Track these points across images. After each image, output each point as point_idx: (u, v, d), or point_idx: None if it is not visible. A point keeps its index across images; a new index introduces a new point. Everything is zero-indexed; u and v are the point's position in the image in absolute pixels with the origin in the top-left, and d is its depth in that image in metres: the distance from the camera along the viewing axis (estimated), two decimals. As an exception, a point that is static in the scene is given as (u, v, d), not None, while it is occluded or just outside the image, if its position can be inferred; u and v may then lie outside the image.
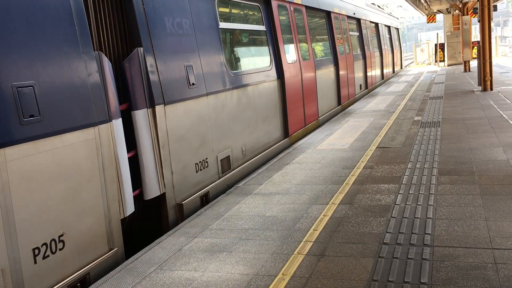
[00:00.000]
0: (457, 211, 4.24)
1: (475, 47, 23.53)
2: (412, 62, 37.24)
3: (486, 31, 12.82)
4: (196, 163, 5.36)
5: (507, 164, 5.59)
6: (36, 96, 3.28)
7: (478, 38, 14.64)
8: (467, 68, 20.86)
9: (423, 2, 26.15)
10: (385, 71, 20.89)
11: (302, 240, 3.92)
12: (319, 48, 11.39)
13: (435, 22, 30.83)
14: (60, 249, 3.44)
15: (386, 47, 21.56)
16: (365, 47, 16.22)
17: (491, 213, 4.12)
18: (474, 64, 22.82)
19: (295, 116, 8.71)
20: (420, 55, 36.24)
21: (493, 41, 21.80)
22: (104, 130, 3.91)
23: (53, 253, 3.38)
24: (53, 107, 3.42)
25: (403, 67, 29.07)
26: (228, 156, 6.11)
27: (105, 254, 3.88)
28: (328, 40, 11.96)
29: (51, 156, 3.38)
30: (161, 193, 4.74)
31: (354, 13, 15.10)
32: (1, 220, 2.98)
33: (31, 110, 3.22)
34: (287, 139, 8.30)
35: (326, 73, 11.18)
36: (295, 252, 3.70)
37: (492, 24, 15.59)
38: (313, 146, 7.78)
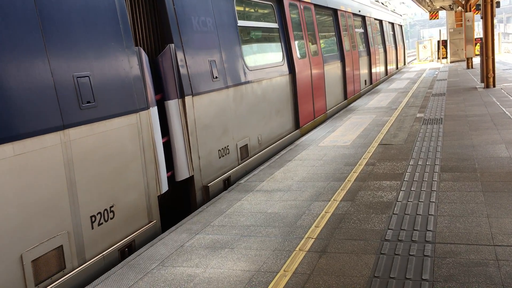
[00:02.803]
0: (459, 208, 4.24)
1: (478, 44, 23.46)
2: (415, 59, 37.15)
3: (489, 28, 12.77)
4: (219, 150, 5.83)
5: (509, 161, 5.58)
6: (91, 85, 3.77)
7: (481, 35, 14.60)
8: (469, 65, 20.79)
9: (425, -2, 26.07)
10: (389, 67, 21.19)
11: (303, 237, 3.93)
12: (327, 44, 11.69)
13: (437, 18, 30.75)
14: (111, 218, 3.93)
15: (389, 43, 21.82)
16: (370, 44, 16.54)
17: (493, 210, 4.11)
18: (476, 61, 22.76)
19: (305, 109, 9.15)
20: (423, 52, 36.14)
21: (496, 38, 21.72)
22: (144, 116, 4.38)
23: (106, 221, 3.87)
24: (104, 94, 3.90)
25: (406, 63, 29.32)
26: (246, 145, 6.61)
27: (146, 225, 4.36)
28: (335, 37, 12.37)
29: (103, 138, 3.87)
30: (190, 175, 5.19)
31: (359, 11, 15.45)
32: (66, 190, 3.48)
33: (88, 97, 3.72)
34: (298, 130, 8.72)
35: (333, 69, 11.58)
36: (297, 249, 3.70)
37: (495, 21, 15.55)
38: (315, 143, 7.78)
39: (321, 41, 10.83)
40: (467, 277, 3.01)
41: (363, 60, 15.39)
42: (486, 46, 12.85)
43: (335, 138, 8.00)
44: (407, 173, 5.49)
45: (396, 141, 7.35)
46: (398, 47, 24.91)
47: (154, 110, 4.57)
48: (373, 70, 17.05)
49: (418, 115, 9.68)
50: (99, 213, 3.79)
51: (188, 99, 5.18)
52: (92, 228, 3.71)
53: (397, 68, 24.33)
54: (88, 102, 3.71)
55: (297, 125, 8.81)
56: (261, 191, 5.36)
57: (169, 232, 4.33)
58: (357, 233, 3.89)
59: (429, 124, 8.45)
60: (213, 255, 3.73)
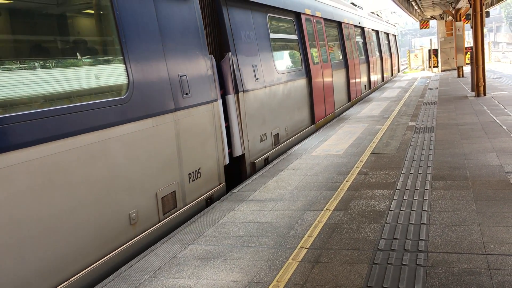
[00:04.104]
0: (451, 216, 4.25)
1: (468, 53, 23.69)
2: (406, 67, 37.45)
3: (479, 37, 12.91)
4: (260, 135, 7.41)
5: (500, 169, 5.62)
6: (187, 82, 5.25)
7: (471, 44, 14.74)
8: (460, 74, 20.98)
9: (416, 8, 26.33)
10: (385, 74, 22.75)
11: (296, 247, 3.92)
12: (334, 52, 13.29)
13: (428, 28, 31.03)
14: (198, 177, 5.40)
15: (385, 52, 23.36)
16: (369, 53, 18.23)
17: (484, 218, 4.13)
18: (467, 69, 22.96)
19: (319, 108, 10.84)
20: (414, 61, 36.41)
21: (486, 46, 21.92)
22: (216, 106, 5.86)
23: (196, 179, 5.34)
24: (195, 88, 5.38)
25: (400, 70, 31.01)
26: (277, 133, 8.19)
27: (218, 186, 5.85)
28: (340, 46, 14.03)
29: (194, 119, 5.33)
30: (242, 153, 6.68)
31: (359, 22, 17.24)
32: (176, 153, 4.94)
33: (186, 90, 5.20)
34: (313, 125, 10.37)
35: (340, 74, 13.31)
36: (290, 259, 3.69)
37: (485, 30, 15.73)
38: (308, 152, 7.79)
39: (329, 50, 12.44)
40: (460, 286, 3.01)
41: (363, 67, 16.99)
42: (477, 55, 12.98)
43: (327, 147, 8.02)
44: (399, 182, 5.50)
45: (388, 150, 7.38)
46: (392, 56, 26.40)
47: (220, 102, 6.02)
48: (372, 76, 18.71)
49: (410, 123, 9.73)
50: (193, 172, 5.27)
51: (240, 94, 6.73)
52: (189, 182, 5.20)
53: (392, 75, 25.67)
54: (186, 93, 5.19)
55: (312, 120, 10.41)
56: (254, 200, 5.35)
57: (161, 243, 4.30)
58: (350, 243, 3.89)
59: (420, 133, 8.50)
60: (206, 266, 3.71)
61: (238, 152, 6.58)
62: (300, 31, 10.04)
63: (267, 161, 7.53)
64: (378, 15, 25.84)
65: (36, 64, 3.61)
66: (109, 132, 3.95)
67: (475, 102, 12.04)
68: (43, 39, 3.79)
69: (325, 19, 12.29)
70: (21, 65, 3.47)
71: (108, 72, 4.26)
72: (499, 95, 12.99)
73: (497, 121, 8.91)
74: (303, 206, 4.98)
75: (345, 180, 5.84)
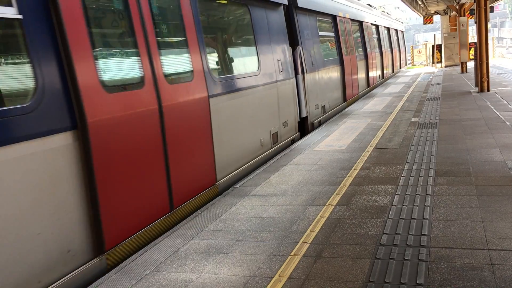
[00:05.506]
0: (454, 212, 4.24)
1: (472, 48, 23.57)
2: (410, 63, 37.35)
3: (482, 32, 12.84)
4: (315, 105, 10.33)
5: (504, 165, 5.60)
6: (281, 64, 8.07)
7: (475, 39, 14.67)
8: (464, 69, 20.89)
9: (420, 3, 26.20)
10: (394, 67, 25.36)
11: (298, 242, 3.92)
12: (357, 46, 15.98)
13: (432, 23, 30.91)
14: (286, 126, 8.23)
15: (395, 47, 25.89)
16: (382, 47, 21.12)
17: (487, 214, 4.12)
18: (471, 65, 22.85)
19: (349, 89, 13.83)
20: (417, 57, 36.28)
21: (490, 42, 21.80)
22: (293, 81, 8.77)
23: (285, 127, 8.20)
24: (284, 69, 8.22)
25: (407, 64, 33.74)
26: (324, 105, 11.16)
27: (295, 134, 8.75)
28: (361, 41, 16.78)
29: (284, 88, 8.19)
30: (306, 115, 9.62)
31: (375, 21, 19.97)
32: (277, 109, 7.88)
33: (280, 69, 8.04)
34: (345, 102, 13.32)
35: (361, 64, 16.34)
36: (292, 254, 3.69)
37: (489, 25, 15.65)
38: (310, 147, 7.78)
39: (354, 44, 15.27)
40: (462, 282, 3.01)
41: (378, 59, 19.98)
42: (480, 51, 12.91)
43: (330, 143, 8.01)
44: (402, 177, 5.50)
45: (391, 145, 7.36)
46: (400, 50, 28.79)
47: (294, 79, 8.85)
48: (384, 67, 21.78)
49: (413, 119, 9.71)
50: (284, 122, 8.08)
51: (305, 75, 9.62)
52: (283, 128, 8.03)
53: (400, 67, 28.17)
54: (281, 71, 8.02)
55: (344, 98, 13.34)
56: (256, 195, 5.35)
57: (164, 237, 4.31)
58: (352, 238, 3.89)
59: (423, 128, 8.48)
60: (208, 260, 3.72)
61: (303, 114, 9.45)
62: (336, 29, 13.01)
63: (319, 123, 10.44)
64: (388, 13, 27.42)
65: (235, 51, 7.38)
66: (252, 90, 6.85)
67: (478, 97, 12.00)
68: (234, 38, 7.42)
69: (351, 20, 15.21)
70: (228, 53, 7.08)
71: (252, 57, 7.31)
72: (503, 90, 12.93)
73: (501, 116, 8.87)
74: (306, 201, 4.98)
75: (348, 175, 5.83)
